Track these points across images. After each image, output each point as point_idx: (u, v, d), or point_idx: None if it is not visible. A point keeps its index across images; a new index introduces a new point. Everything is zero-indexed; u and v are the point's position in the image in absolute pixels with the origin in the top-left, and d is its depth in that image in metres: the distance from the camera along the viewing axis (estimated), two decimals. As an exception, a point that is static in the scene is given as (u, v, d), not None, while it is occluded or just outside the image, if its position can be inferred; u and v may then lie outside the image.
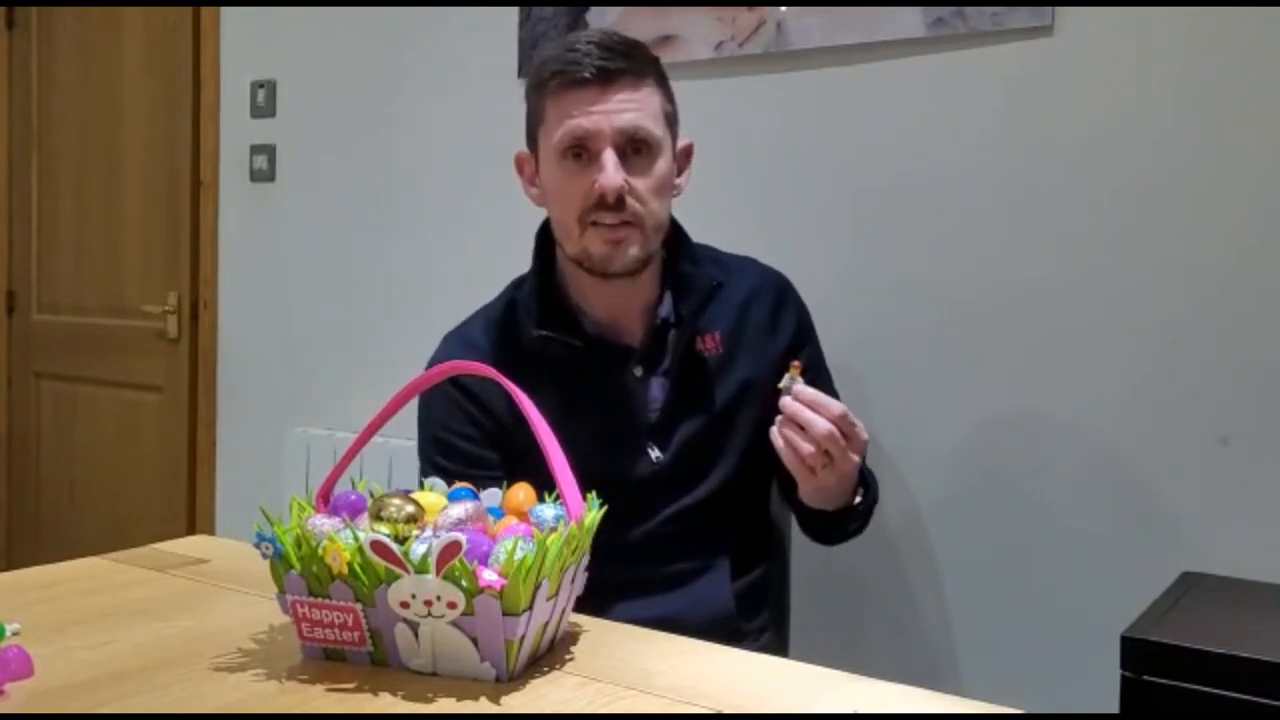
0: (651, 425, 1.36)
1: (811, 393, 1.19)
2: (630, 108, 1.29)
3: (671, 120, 1.36)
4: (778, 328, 1.43)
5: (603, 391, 1.37)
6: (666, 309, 1.38)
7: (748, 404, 1.38)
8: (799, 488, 1.27)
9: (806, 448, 1.18)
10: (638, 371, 1.37)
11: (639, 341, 1.38)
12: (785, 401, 1.19)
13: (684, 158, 1.40)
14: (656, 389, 1.37)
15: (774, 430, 1.21)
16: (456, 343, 1.42)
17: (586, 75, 1.27)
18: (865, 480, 1.36)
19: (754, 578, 1.43)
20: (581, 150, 1.29)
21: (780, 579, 1.56)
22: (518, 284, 1.44)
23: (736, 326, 1.40)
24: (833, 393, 1.46)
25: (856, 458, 1.22)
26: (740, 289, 1.43)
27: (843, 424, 1.18)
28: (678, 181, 1.39)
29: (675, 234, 1.42)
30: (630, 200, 1.29)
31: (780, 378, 1.36)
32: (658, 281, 1.39)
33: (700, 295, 1.38)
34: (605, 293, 1.37)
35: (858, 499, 1.35)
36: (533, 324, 1.36)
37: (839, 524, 1.38)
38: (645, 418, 1.37)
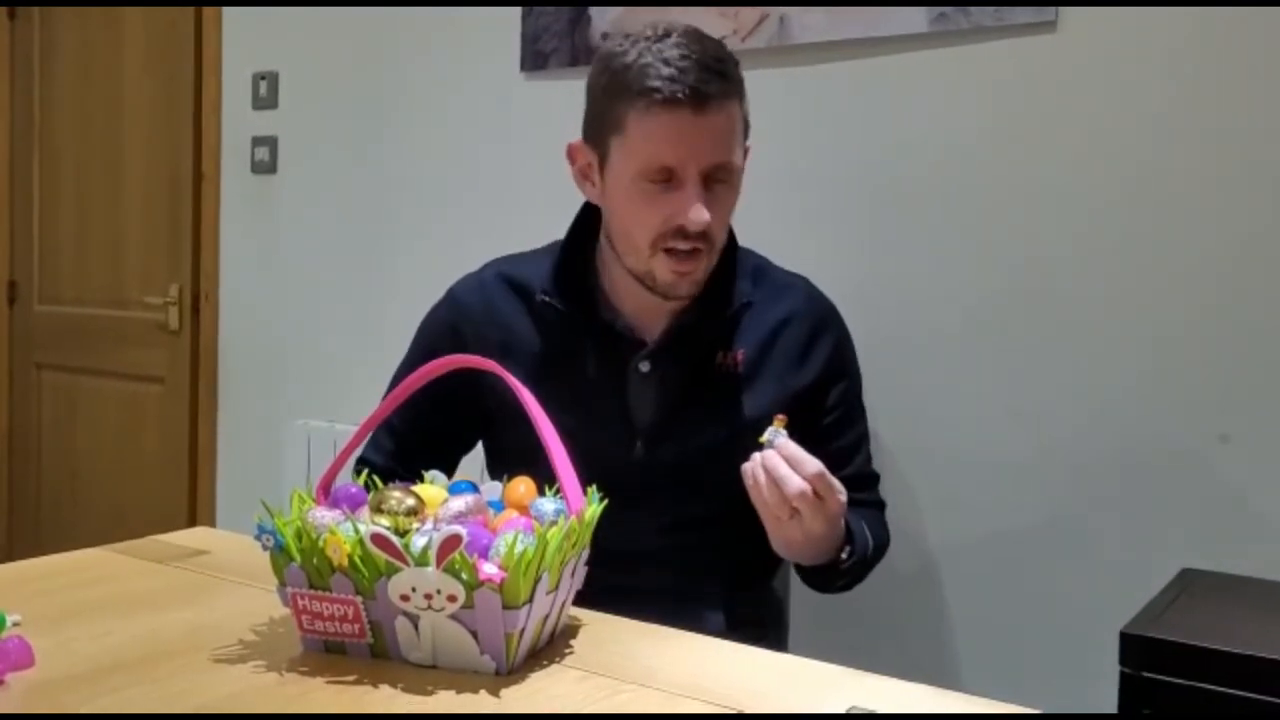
0: (645, 422, 1.33)
1: (792, 448, 1.13)
2: (721, 137, 1.23)
3: (747, 133, 1.31)
4: (808, 360, 1.37)
5: (601, 374, 1.34)
6: (693, 316, 1.34)
7: (759, 431, 1.31)
8: (768, 536, 1.21)
9: (770, 499, 1.13)
10: (644, 367, 1.33)
11: (654, 339, 1.34)
12: (766, 454, 1.15)
13: (745, 161, 1.35)
14: (659, 389, 1.33)
15: (745, 467, 1.16)
16: (473, 283, 1.43)
17: (680, 97, 1.20)
18: (852, 538, 1.28)
19: (753, 596, 1.41)
20: (668, 175, 1.24)
21: (781, 595, 1.54)
22: (550, 249, 1.41)
23: (764, 348, 1.35)
24: (860, 429, 1.43)
25: (823, 522, 1.15)
26: (778, 310, 1.37)
27: (818, 484, 1.12)
28: None
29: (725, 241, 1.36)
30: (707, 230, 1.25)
31: (799, 413, 1.28)
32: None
33: (728, 309, 1.33)
34: (638, 296, 1.33)
35: (843, 556, 1.27)
36: (541, 288, 1.34)
37: (821, 577, 1.33)
38: (639, 413, 1.33)
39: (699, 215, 1.22)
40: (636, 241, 1.28)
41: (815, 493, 1.12)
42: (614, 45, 1.27)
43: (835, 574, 1.30)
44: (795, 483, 1.12)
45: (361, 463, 1.41)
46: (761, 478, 1.14)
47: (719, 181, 1.25)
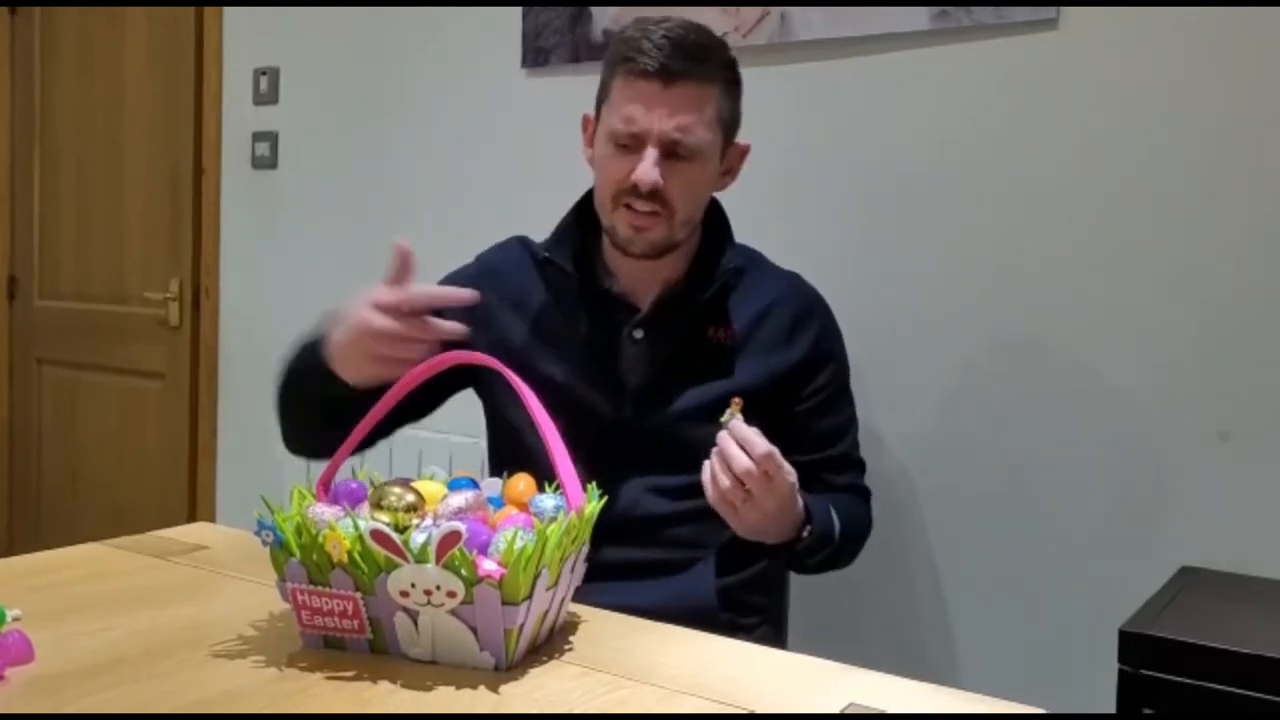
0: (635, 386, 1.39)
1: (744, 431, 1.18)
2: (683, 113, 1.33)
3: (729, 124, 1.40)
4: (794, 340, 1.43)
5: (597, 336, 1.41)
6: (686, 289, 1.41)
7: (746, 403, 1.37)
8: (730, 524, 1.26)
9: (724, 481, 1.18)
10: (637, 334, 1.40)
11: (646, 307, 1.41)
12: (719, 435, 1.19)
13: (737, 158, 1.45)
14: (650, 356, 1.40)
15: (705, 463, 1.21)
16: (495, 248, 1.54)
17: (650, 69, 1.32)
18: (811, 518, 1.31)
19: (748, 575, 1.42)
20: (630, 141, 1.35)
21: (778, 577, 1.55)
22: None
23: (753, 327, 1.42)
24: (848, 414, 1.48)
25: (775, 500, 1.20)
26: (768, 293, 1.45)
27: (766, 463, 1.17)
28: (723, 179, 1.44)
29: (718, 225, 1.46)
30: (663, 193, 1.34)
31: (784, 392, 1.37)
32: (685, 264, 1.43)
33: (718, 278, 1.40)
34: (629, 263, 1.42)
35: (803, 534, 1.31)
36: (545, 249, 1.44)
37: (789, 559, 1.38)
38: (631, 377, 1.39)
39: (646, 174, 1.33)
40: (604, 197, 1.39)
41: (765, 473, 1.17)
42: (626, 24, 1.41)
43: (798, 553, 1.34)
44: (742, 461, 1.17)
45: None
46: (714, 461, 1.19)
47: (681, 157, 1.34)
